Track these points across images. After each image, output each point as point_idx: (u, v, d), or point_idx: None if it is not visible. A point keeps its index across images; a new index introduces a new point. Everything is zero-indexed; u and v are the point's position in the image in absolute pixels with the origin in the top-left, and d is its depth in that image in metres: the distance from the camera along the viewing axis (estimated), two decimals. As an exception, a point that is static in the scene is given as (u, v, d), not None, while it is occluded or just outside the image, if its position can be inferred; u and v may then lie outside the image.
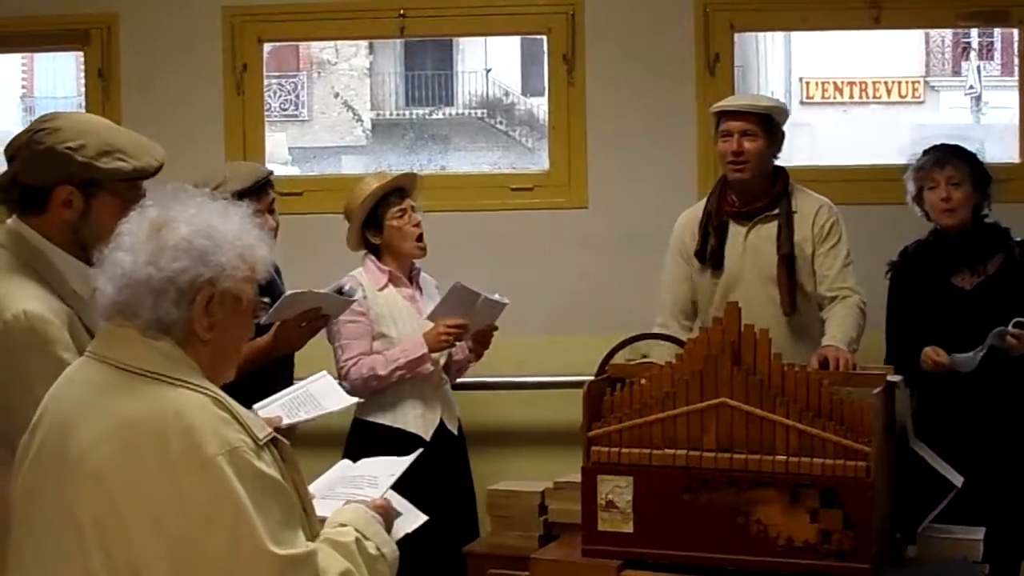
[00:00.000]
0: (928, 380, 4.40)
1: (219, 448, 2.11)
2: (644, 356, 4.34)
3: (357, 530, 2.32)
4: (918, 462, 3.55)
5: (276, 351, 4.09)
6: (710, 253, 4.58)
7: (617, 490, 3.35)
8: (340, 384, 3.75)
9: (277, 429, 2.31)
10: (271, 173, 4.44)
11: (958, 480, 3.52)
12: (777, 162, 4.63)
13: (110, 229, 2.33)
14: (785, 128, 4.63)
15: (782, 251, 4.51)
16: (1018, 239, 4.57)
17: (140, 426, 2.13)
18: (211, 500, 2.09)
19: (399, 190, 4.67)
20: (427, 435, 4.61)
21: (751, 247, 4.57)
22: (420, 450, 2.90)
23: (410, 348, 4.52)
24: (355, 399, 3.62)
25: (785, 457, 3.21)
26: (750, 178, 4.55)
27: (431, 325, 4.58)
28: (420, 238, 4.66)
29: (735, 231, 4.59)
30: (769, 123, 4.55)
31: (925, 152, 4.65)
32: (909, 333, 4.53)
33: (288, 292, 4.03)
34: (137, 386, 2.16)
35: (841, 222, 4.59)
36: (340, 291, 4.20)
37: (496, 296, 4.60)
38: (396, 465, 2.69)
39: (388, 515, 2.46)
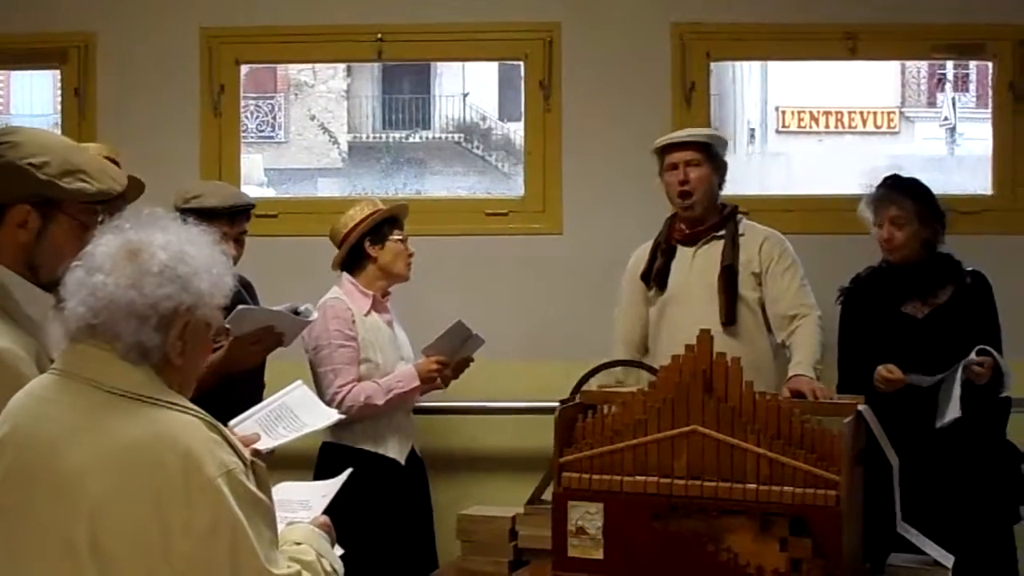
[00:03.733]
0: (885, 406, 4.22)
1: (218, 470, 2.12)
2: (619, 382, 4.35)
3: (313, 548, 2.36)
4: None
5: (228, 368, 3.94)
6: (655, 273, 4.71)
7: (588, 516, 3.35)
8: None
9: (257, 454, 2.33)
10: (253, 205, 4.41)
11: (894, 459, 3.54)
12: (746, 190, 4.69)
13: (64, 254, 2.29)
14: (759, 156, 4.69)
15: (724, 262, 4.59)
16: (969, 269, 4.58)
17: (137, 450, 2.12)
18: (212, 522, 2.10)
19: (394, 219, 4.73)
20: (403, 460, 4.67)
21: (697, 265, 4.67)
22: (349, 470, 2.91)
23: (405, 380, 4.58)
24: (339, 415, 3.58)
25: (755, 485, 3.21)
26: (700, 212, 4.67)
27: (407, 350, 4.63)
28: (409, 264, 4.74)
29: (683, 253, 4.72)
30: (710, 151, 4.68)
31: (881, 184, 4.64)
32: (861, 359, 4.52)
33: (238, 308, 3.88)
34: (128, 408, 2.16)
35: (791, 251, 4.68)
36: (296, 311, 4.07)
37: (478, 332, 4.65)
38: (326, 487, 2.74)
39: (331, 533, 2.51)
